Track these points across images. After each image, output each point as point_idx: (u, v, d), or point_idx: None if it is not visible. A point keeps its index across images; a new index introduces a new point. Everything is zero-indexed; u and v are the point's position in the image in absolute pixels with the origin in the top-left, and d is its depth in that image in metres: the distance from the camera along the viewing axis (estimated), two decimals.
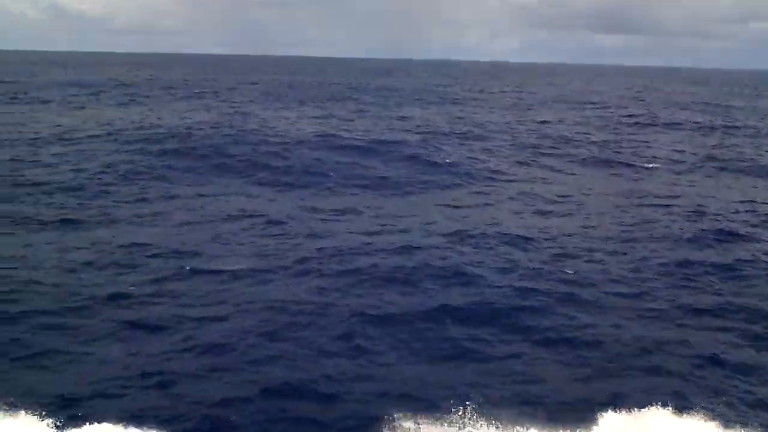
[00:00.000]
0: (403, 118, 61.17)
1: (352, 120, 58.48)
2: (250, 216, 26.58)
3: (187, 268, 19.63)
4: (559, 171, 39.89)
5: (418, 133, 51.05)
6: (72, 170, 33.66)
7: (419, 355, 14.97)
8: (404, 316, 16.72)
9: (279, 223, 25.38)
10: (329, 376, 13.70)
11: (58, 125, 50.29)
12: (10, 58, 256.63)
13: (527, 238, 23.77)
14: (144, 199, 29.05)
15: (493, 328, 16.25)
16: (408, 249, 21.96)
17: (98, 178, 32.27)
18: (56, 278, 18.63)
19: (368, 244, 22.63)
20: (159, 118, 54.27)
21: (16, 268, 19.41)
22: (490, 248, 22.56)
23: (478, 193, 33.34)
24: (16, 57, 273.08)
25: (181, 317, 16.27)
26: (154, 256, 20.73)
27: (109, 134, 44.76)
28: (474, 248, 22.52)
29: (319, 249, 21.80)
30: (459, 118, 64.23)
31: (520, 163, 41.96)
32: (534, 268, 20.53)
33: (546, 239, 23.91)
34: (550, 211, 28.93)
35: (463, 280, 19.27)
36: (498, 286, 18.83)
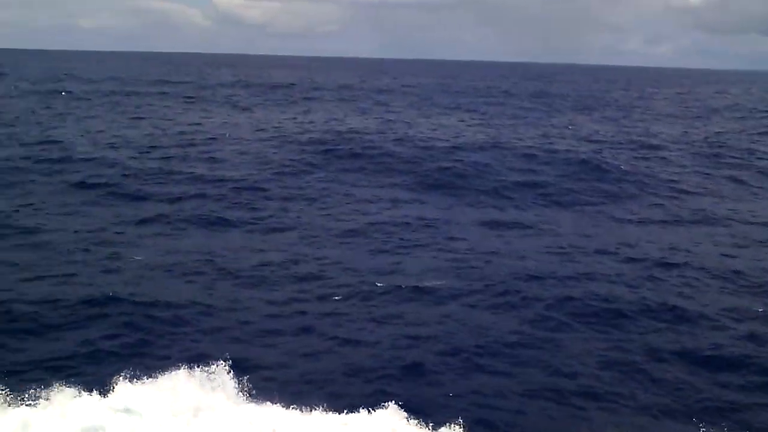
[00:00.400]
0: (566, 125, 58.99)
1: (513, 126, 57.01)
2: (429, 226, 25.95)
3: (379, 284, 19.05)
4: (745, 184, 36.73)
5: (586, 140, 48.95)
6: (249, 170, 34.54)
7: (660, 401, 13.50)
8: (630, 357, 15.22)
9: (461, 237, 24.50)
10: (561, 420, 12.61)
11: (229, 124, 52.45)
12: (183, 59, 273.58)
13: (738, 272, 21.36)
14: (323, 202, 29.26)
15: (737, 376, 14.56)
16: (606, 277, 20.45)
17: (276, 179, 32.93)
18: (258, 289, 18.58)
19: (563, 266, 21.34)
20: (325, 122, 55.28)
21: (212, 277, 19.53)
22: (698, 280, 20.50)
23: (658, 206, 31.15)
24: (187, 59, 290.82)
25: (392, 335, 15.71)
26: (348, 269, 20.38)
27: (283, 135, 45.91)
28: (680, 279, 20.52)
29: (510, 272, 20.57)
30: (625, 125, 61.19)
31: (701, 174, 39.04)
32: (761, 311, 18.29)
33: (761, 273, 21.41)
34: (750, 236, 26.18)
35: (679, 317, 17.48)
36: (726, 328, 16.97)
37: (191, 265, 19.97)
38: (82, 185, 30.15)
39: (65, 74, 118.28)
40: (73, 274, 18.73)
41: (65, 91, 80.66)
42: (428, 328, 16.15)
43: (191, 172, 33.33)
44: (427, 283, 19.03)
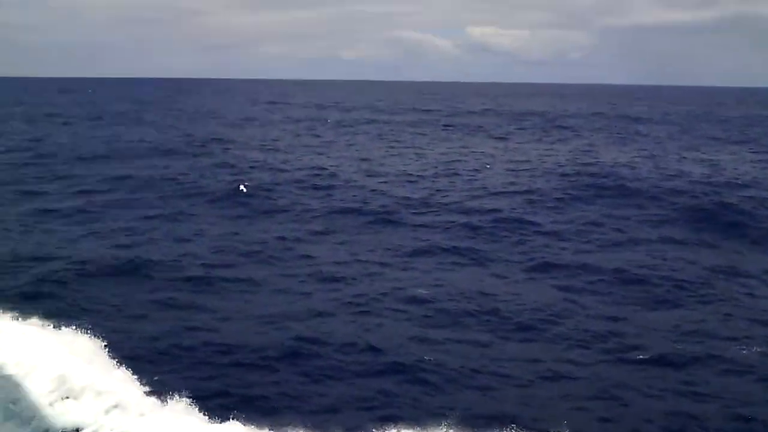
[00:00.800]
0: None
1: None
2: (720, 276, 22.66)
3: (678, 346, 16.77)
4: None
5: None
6: (515, 202, 33.48)
7: None
8: None
9: (764, 295, 21.16)
10: None
11: (487, 154, 52.19)
12: (436, 88, 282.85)
13: None
14: (596, 240, 27.19)
15: None
16: None
17: (543, 212, 31.64)
18: (544, 343, 17.18)
19: None
20: (585, 152, 53.16)
21: (493, 325, 18.37)
22: None
23: None
24: (440, 87, 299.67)
25: (719, 414, 13.53)
26: (641, 326, 18.22)
27: (544, 166, 44.53)
28: None
29: None
30: None
31: None
32: None
33: None
34: None
35: None
36: None
37: (470, 307, 19.01)
38: (352, 211, 30.98)
39: (330, 103, 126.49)
40: (360, 312, 18.58)
41: (330, 119, 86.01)
42: (761, 409, 13.68)
43: (457, 202, 33.09)
44: (742, 352, 16.40)
